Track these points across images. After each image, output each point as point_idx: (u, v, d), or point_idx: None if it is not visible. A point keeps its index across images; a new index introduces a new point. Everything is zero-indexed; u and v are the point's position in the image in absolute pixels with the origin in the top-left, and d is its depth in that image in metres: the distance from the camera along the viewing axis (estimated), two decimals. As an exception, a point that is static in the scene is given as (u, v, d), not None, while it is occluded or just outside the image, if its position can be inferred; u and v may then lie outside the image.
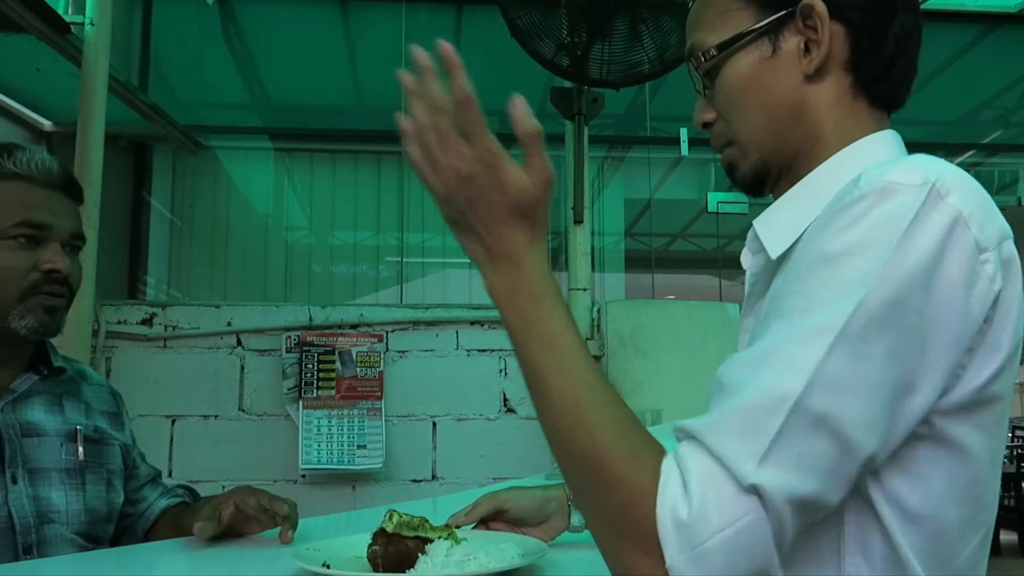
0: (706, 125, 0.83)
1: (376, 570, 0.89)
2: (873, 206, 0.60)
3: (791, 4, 0.75)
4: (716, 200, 4.56)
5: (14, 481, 1.12)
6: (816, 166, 0.77)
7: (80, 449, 1.21)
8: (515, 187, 0.67)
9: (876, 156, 0.74)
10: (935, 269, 0.59)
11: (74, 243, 1.20)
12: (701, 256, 6.07)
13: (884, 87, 0.78)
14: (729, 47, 0.77)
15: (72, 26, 2.73)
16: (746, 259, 0.82)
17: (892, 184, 0.61)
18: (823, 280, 0.60)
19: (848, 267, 0.59)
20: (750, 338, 0.71)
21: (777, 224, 0.77)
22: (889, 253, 0.59)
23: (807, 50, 0.75)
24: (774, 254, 0.75)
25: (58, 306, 1.18)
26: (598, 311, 3.26)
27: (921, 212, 0.59)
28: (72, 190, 1.21)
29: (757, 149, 0.79)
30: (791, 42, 0.76)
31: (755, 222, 0.79)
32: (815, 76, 0.76)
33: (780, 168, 0.80)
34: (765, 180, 0.81)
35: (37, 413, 1.20)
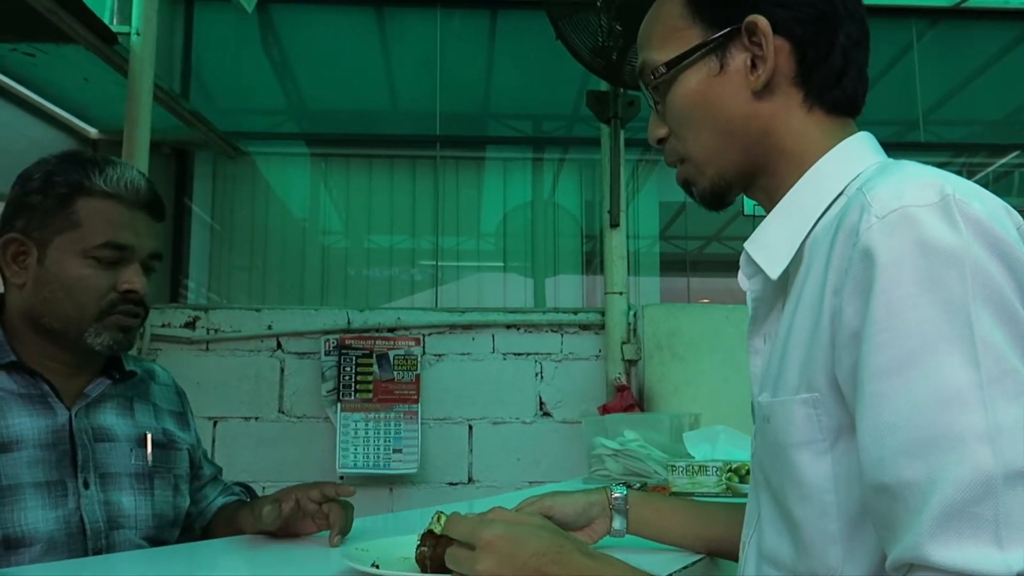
0: (660, 141, 0.84)
1: (424, 571, 0.89)
2: (909, 234, 0.59)
3: (736, 21, 0.76)
4: (751, 203, 4.51)
5: (86, 486, 1.14)
6: (790, 178, 0.77)
7: (149, 454, 1.23)
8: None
9: (856, 163, 0.74)
10: (1010, 269, 0.58)
11: (151, 264, 1.21)
12: (736, 259, 6.01)
13: (837, 96, 0.78)
14: (677, 65, 0.78)
15: (118, 36, 2.79)
16: (743, 281, 0.82)
17: (914, 209, 0.59)
18: (915, 328, 0.57)
19: (934, 306, 0.57)
20: (785, 375, 0.71)
21: (769, 244, 0.77)
22: (962, 280, 0.57)
23: (754, 66, 0.76)
24: (773, 274, 0.75)
25: (133, 326, 1.19)
26: (634, 315, 3.25)
27: (964, 227, 0.58)
28: (156, 209, 1.22)
29: (712, 166, 0.80)
30: (738, 59, 0.76)
31: (746, 245, 0.79)
32: (763, 92, 0.76)
33: (741, 182, 0.80)
34: (724, 195, 0.81)
35: (109, 417, 1.22)
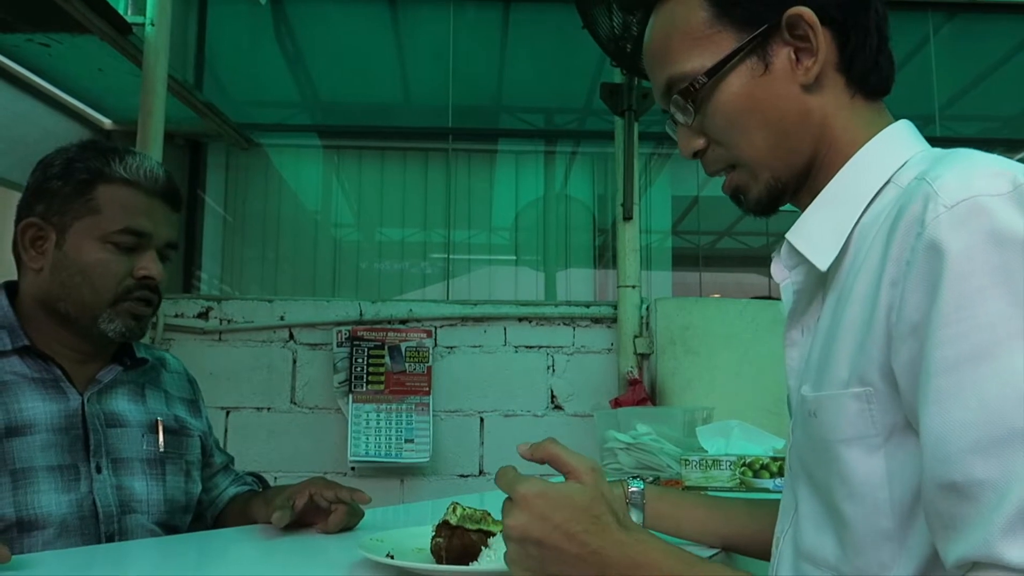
0: (696, 153, 0.81)
1: (439, 562, 0.89)
2: (980, 224, 0.57)
3: (772, 17, 0.73)
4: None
5: (99, 470, 1.15)
6: (835, 170, 0.75)
7: (161, 440, 1.23)
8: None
9: (901, 151, 0.73)
10: None
11: (166, 252, 1.23)
12: (748, 254, 5.99)
13: (876, 78, 0.76)
14: (718, 72, 0.75)
15: (133, 26, 2.80)
16: (779, 272, 0.80)
17: (985, 199, 0.58)
18: (986, 321, 0.55)
19: (1006, 298, 0.55)
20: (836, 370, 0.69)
21: (813, 234, 0.74)
22: None
23: (798, 60, 0.74)
24: (823, 266, 0.73)
25: (145, 314, 1.21)
26: (647, 308, 3.24)
27: None
28: (174, 199, 1.24)
29: (767, 168, 0.77)
30: (781, 55, 0.74)
31: (788, 236, 0.76)
32: (813, 84, 0.74)
33: (796, 183, 0.78)
34: (779, 198, 0.79)
35: (121, 403, 1.23)
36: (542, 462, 0.75)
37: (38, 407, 1.12)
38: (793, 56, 0.74)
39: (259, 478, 1.47)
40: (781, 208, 0.81)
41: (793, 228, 0.77)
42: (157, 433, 1.24)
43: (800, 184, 0.78)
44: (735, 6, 0.75)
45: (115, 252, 1.16)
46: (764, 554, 0.90)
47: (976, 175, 0.59)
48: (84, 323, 1.17)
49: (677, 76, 0.77)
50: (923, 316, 0.59)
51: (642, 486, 1.05)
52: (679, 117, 0.80)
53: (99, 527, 1.12)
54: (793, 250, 0.76)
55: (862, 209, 0.72)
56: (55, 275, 1.16)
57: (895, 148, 0.74)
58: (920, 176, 0.65)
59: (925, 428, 0.58)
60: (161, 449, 1.23)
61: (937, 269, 0.58)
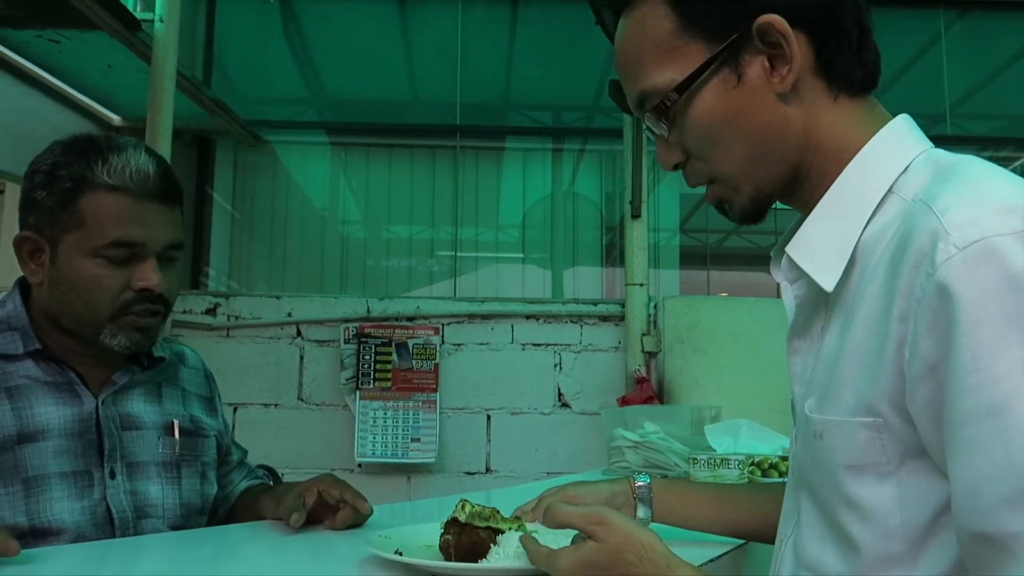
0: (676, 166, 0.78)
1: (448, 559, 0.89)
2: (994, 269, 0.56)
3: (741, 26, 0.70)
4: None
5: (112, 476, 1.12)
6: (827, 175, 0.72)
7: (176, 443, 1.20)
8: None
9: (901, 154, 0.70)
10: None
11: (170, 254, 1.15)
12: (756, 252, 5.98)
13: (860, 74, 0.73)
14: (689, 87, 0.72)
15: (142, 23, 2.80)
16: (778, 275, 0.78)
17: (997, 240, 0.56)
18: (1006, 370, 0.55)
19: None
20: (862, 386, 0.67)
21: (816, 249, 0.72)
22: None
23: (773, 68, 0.70)
24: (828, 286, 0.70)
25: (151, 325, 1.14)
26: (655, 307, 3.23)
27: None
28: (169, 196, 1.13)
29: (749, 180, 0.74)
30: (754, 64, 0.71)
31: (788, 249, 0.74)
32: (789, 92, 0.71)
33: (781, 191, 0.75)
34: (764, 208, 0.76)
35: (136, 405, 1.19)
36: (556, 527, 0.78)
37: (51, 412, 1.09)
38: (767, 64, 0.70)
39: (270, 471, 1.46)
40: (776, 207, 0.80)
41: (793, 241, 0.74)
42: (173, 435, 1.20)
43: (788, 191, 0.76)
44: (703, 15, 0.71)
45: (108, 266, 1.08)
46: (773, 539, 0.90)
47: (985, 211, 0.58)
48: (88, 338, 1.12)
49: (648, 91, 0.75)
50: (939, 359, 0.58)
51: (648, 480, 1.05)
52: (655, 130, 0.77)
53: (115, 533, 1.10)
54: (794, 264, 0.74)
55: (864, 222, 0.69)
56: (53, 291, 1.10)
57: (894, 151, 0.71)
58: (925, 201, 0.63)
59: (954, 477, 0.58)
60: (177, 452, 1.20)
61: (950, 314, 0.57)
